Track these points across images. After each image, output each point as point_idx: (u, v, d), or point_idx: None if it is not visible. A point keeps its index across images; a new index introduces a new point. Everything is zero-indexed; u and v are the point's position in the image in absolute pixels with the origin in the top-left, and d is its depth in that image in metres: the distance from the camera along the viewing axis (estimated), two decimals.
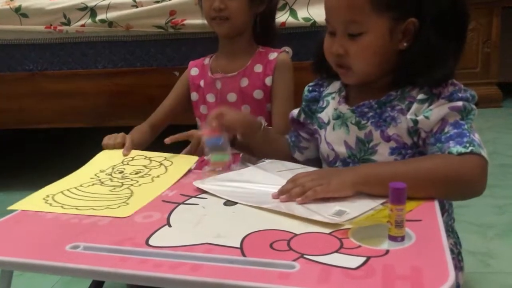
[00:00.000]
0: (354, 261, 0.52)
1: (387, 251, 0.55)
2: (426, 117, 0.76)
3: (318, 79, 0.95)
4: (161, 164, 0.90)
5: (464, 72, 2.80)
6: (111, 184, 0.83)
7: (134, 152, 0.97)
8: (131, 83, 1.60)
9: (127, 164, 0.92)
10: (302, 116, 0.95)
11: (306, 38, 1.47)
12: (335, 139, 0.87)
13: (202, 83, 1.18)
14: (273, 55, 1.15)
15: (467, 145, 0.72)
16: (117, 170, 0.88)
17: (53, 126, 1.71)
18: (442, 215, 0.87)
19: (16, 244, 0.62)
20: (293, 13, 1.49)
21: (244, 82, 1.14)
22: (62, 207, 0.73)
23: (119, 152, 0.97)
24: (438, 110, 0.75)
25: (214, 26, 1.12)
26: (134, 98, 1.61)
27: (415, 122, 0.77)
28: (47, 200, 0.76)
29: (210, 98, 1.17)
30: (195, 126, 1.20)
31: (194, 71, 1.20)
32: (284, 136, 1.02)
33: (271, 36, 1.21)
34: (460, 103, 0.76)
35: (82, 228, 0.65)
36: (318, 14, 1.45)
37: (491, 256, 1.14)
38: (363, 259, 0.53)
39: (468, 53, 2.92)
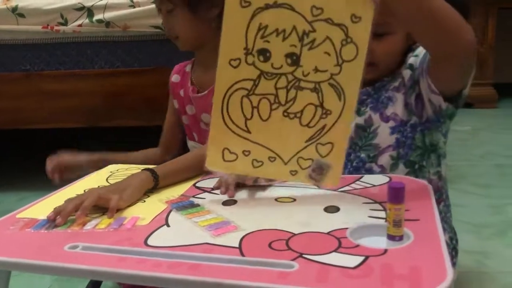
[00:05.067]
0: (352, 261, 0.53)
1: (386, 251, 0.55)
2: (416, 56, 0.84)
3: None
4: None
5: None
6: None
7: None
8: (128, 83, 1.60)
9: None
10: None
11: None
12: None
13: (182, 92, 1.15)
14: None
15: None
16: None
17: (50, 127, 1.71)
18: (439, 204, 0.89)
19: (14, 244, 0.62)
20: None
21: None
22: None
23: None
24: (420, 49, 0.84)
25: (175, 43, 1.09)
26: (131, 99, 1.61)
27: (411, 67, 0.84)
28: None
29: (189, 110, 1.14)
30: None
31: (175, 77, 1.17)
32: None
33: None
34: None
35: (79, 228, 0.65)
36: None
37: (487, 255, 1.15)
38: (362, 258, 0.53)
39: None
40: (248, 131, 0.69)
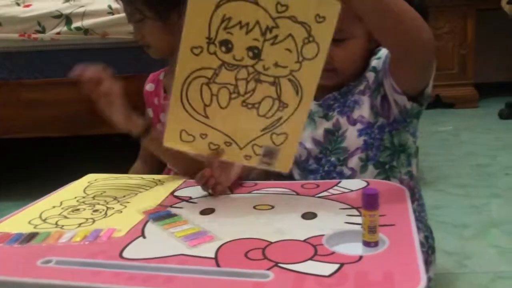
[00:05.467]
0: (327, 268, 0.53)
1: (361, 257, 0.55)
2: (378, 58, 0.86)
3: None
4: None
5: (441, 73, 2.85)
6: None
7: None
8: None
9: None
10: None
11: None
12: (305, 138, 0.91)
13: (156, 101, 1.15)
14: None
15: None
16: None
17: (30, 136, 1.69)
18: (412, 203, 0.90)
19: None
20: None
21: None
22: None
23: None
24: (382, 51, 0.86)
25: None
26: None
27: (375, 70, 0.85)
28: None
29: (163, 118, 1.13)
30: None
31: (149, 86, 1.17)
32: None
33: None
34: None
35: (53, 242, 0.64)
36: None
37: (467, 256, 1.16)
38: (337, 266, 0.53)
39: (445, 55, 2.97)
40: (206, 117, 0.72)
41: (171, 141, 0.74)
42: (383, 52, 0.86)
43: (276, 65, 0.67)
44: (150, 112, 1.17)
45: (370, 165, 0.87)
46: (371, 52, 0.89)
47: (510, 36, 2.73)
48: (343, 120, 0.88)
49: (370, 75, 0.88)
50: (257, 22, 0.64)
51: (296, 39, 0.65)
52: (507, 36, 3.09)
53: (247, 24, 0.65)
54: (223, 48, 0.66)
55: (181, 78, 0.69)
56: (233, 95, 0.70)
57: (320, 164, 0.90)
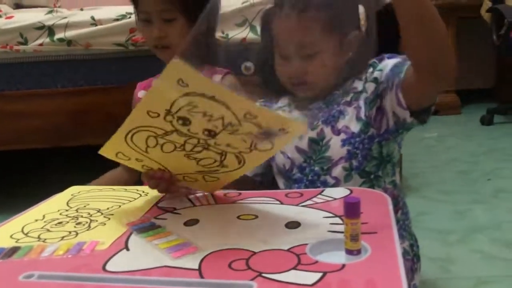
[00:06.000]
0: (310, 278, 0.53)
1: (343, 266, 0.55)
2: (380, 70, 0.85)
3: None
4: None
5: None
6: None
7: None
8: (92, 101, 1.58)
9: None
10: None
11: None
12: (288, 147, 0.92)
13: None
14: (217, 78, 1.11)
15: None
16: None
17: (12, 148, 1.67)
18: (396, 212, 0.93)
19: None
20: (253, 29, 1.51)
21: None
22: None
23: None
24: (384, 64, 0.86)
25: (157, 53, 1.09)
26: (95, 117, 1.59)
27: (376, 81, 0.85)
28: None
29: None
30: None
31: (142, 94, 1.17)
32: None
33: (210, 54, 1.17)
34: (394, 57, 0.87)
35: (36, 256, 0.64)
36: None
37: (452, 261, 1.17)
38: (320, 275, 0.53)
39: None
40: (146, 153, 0.73)
41: (106, 153, 0.74)
42: (386, 64, 0.86)
43: (228, 145, 0.69)
44: None
45: (355, 174, 0.88)
46: (347, 62, 0.89)
47: (489, 44, 2.78)
48: (327, 130, 0.89)
49: (370, 86, 0.88)
50: (222, 117, 0.63)
51: (255, 137, 0.66)
52: (487, 44, 3.14)
53: (211, 115, 0.63)
54: (180, 121, 0.65)
55: (130, 125, 0.68)
56: (178, 149, 0.71)
57: (304, 174, 0.90)
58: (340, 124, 0.88)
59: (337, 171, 0.88)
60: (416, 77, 0.78)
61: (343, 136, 0.88)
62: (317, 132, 0.90)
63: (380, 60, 0.89)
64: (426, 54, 0.73)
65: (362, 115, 0.87)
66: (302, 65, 0.85)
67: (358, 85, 0.89)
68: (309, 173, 0.90)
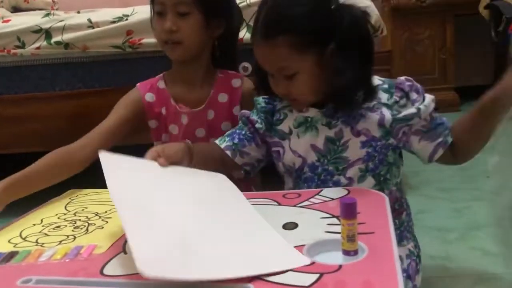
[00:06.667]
0: (307, 279, 0.53)
1: (340, 266, 0.56)
2: (417, 113, 0.86)
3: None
4: None
5: (422, 78, 2.86)
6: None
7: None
8: (90, 104, 1.58)
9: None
10: (263, 127, 0.95)
11: None
12: (301, 146, 0.91)
13: (163, 110, 1.12)
14: (237, 82, 1.11)
15: None
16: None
17: (10, 152, 1.67)
18: (401, 214, 0.93)
19: None
20: (250, 29, 1.50)
21: (211, 115, 1.10)
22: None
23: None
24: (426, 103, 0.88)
25: (167, 50, 1.07)
26: (93, 119, 1.57)
27: (405, 119, 0.86)
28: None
29: (173, 129, 1.12)
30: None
31: (149, 97, 1.12)
32: (215, 144, 0.98)
33: (230, 60, 1.16)
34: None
35: (34, 260, 0.64)
36: None
37: (451, 259, 1.17)
38: (316, 276, 0.54)
39: (426, 60, 3.01)
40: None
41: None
42: (428, 105, 0.88)
43: None
44: (153, 123, 1.14)
45: (369, 176, 0.88)
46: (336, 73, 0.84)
47: (487, 40, 2.78)
48: (347, 130, 0.88)
49: (402, 109, 0.87)
50: None
51: None
52: (485, 40, 3.14)
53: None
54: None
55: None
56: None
57: (315, 173, 0.90)
58: (361, 126, 0.87)
59: (353, 171, 0.88)
60: (452, 154, 0.90)
61: (363, 138, 0.87)
62: (335, 131, 0.88)
63: (415, 91, 0.89)
64: (478, 151, 0.90)
65: (387, 123, 0.86)
66: (286, 85, 0.86)
67: (383, 96, 0.88)
68: (321, 172, 0.89)
